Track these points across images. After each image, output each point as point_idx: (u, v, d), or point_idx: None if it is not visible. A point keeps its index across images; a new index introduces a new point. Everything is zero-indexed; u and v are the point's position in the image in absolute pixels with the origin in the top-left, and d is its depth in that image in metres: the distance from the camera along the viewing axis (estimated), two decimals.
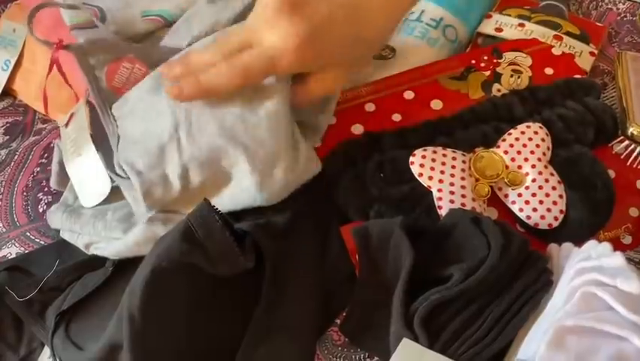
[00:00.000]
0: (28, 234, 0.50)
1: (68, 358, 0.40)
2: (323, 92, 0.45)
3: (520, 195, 0.44)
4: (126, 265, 0.44)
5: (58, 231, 0.48)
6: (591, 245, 0.35)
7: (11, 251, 0.49)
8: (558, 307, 0.33)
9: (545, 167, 0.45)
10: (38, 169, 0.54)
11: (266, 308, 0.37)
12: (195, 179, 0.41)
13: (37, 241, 0.50)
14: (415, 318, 0.34)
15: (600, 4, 0.63)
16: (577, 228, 0.43)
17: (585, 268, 0.34)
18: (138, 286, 0.34)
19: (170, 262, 0.34)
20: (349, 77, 0.47)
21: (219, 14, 0.48)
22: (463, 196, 0.44)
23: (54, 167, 0.51)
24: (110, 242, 0.44)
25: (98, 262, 0.45)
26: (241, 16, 0.48)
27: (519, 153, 0.45)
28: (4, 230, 0.51)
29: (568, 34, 0.57)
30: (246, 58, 0.41)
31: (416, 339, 0.33)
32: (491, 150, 0.46)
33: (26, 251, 0.49)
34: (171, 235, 0.35)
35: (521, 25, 0.57)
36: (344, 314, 0.42)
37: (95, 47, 0.47)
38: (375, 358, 0.40)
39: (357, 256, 0.43)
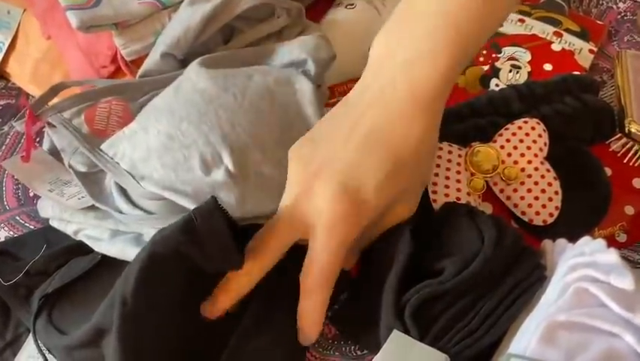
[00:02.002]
0: (18, 218, 0.50)
1: (50, 342, 0.40)
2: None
3: (515, 190, 0.44)
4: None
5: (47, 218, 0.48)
6: (585, 241, 0.35)
7: (0, 235, 0.49)
8: (550, 303, 0.33)
9: (542, 163, 0.44)
10: None
11: (259, 302, 0.37)
12: None
13: (27, 225, 0.49)
14: (405, 310, 0.34)
15: (601, 2, 0.63)
16: (572, 225, 0.43)
17: (579, 263, 0.33)
18: (133, 271, 0.33)
19: (166, 250, 0.34)
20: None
21: (191, 18, 0.48)
22: (458, 190, 0.43)
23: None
24: (100, 234, 0.44)
25: (86, 247, 0.44)
26: (211, 18, 0.48)
27: (515, 148, 0.45)
28: None
29: (568, 31, 0.56)
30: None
31: (407, 331, 0.33)
32: (487, 144, 0.45)
33: (15, 235, 0.48)
34: (173, 225, 0.35)
35: (521, 20, 0.57)
36: (336, 306, 0.42)
37: (66, 104, 0.47)
38: (366, 351, 0.40)
39: None
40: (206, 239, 0.35)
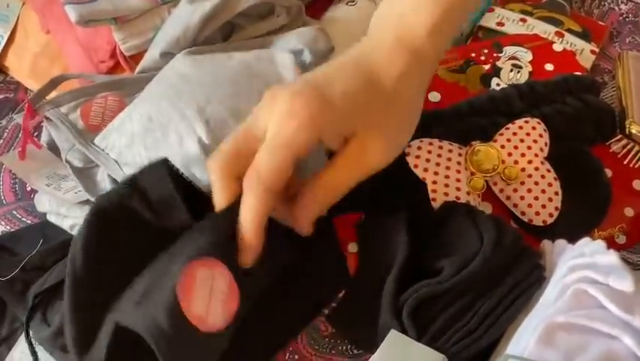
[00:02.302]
0: (15, 212, 0.49)
1: (37, 334, 0.39)
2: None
3: (515, 190, 0.43)
4: None
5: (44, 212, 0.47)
6: (585, 242, 0.35)
7: None
8: (549, 304, 0.33)
9: (542, 163, 0.44)
10: None
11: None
12: None
13: (24, 220, 0.49)
14: (403, 310, 0.33)
15: (603, 3, 0.62)
16: (571, 226, 0.43)
17: (578, 265, 0.33)
18: (81, 229, 0.33)
19: (110, 204, 0.34)
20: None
21: (190, 18, 0.48)
22: (458, 189, 0.43)
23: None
24: None
25: None
26: (211, 18, 0.47)
27: (516, 147, 0.45)
28: None
29: (569, 31, 0.56)
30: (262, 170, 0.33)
31: (404, 331, 0.33)
32: (488, 143, 0.45)
33: (12, 230, 0.48)
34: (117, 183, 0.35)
35: (523, 20, 0.57)
36: (333, 305, 0.42)
37: (64, 98, 0.46)
38: (362, 350, 0.40)
39: (348, 249, 0.43)
40: (149, 190, 0.34)
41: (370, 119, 0.35)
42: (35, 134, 0.55)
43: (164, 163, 0.35)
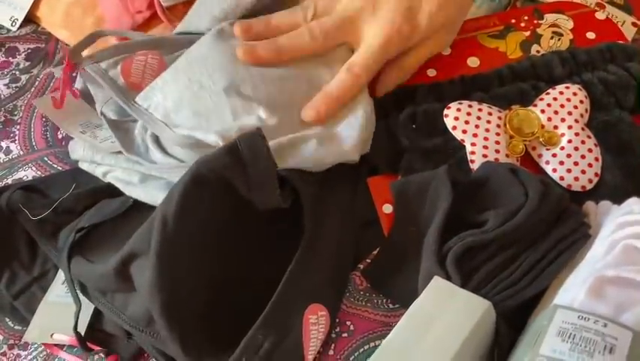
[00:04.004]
0: (46, 159, 0.49)
1: (79, 270, 0.39)
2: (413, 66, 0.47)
3: (554, 155, 0.43)
4: None
5: (77, 160, 0.47)
6: (634, 201, 0.35)
7: (27, 174, 0.48)
8: (598, 258, 0.32)
9: (582, 129, 0.43)
10: None
11: (307, 247, 0.36)
12: None
13: (55, 166, 0.49)
14: (448, 257, 0.33)
15: None
16: (611, 192, 0.42)
17: (627, 221, 0.33)
18: (176, 192, 0.33)
19: (210, 172, 0.33)
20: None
21: None
22: (497, 152, 0.42)
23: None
24: (130, 177, 0.43)
25: (114, 190, 0.44)
26: None
27: (556, 112, 0.44)
28: (21, 153, 0.49)
29: (611, 3, 0.55)
30: (325, 20, 0.44)
31: (448, 278, 0.32)
32: (528, 108, 0.44)
33: (43, 175, 0.48)
34: (217, 149, 0.34)
35: None
36: (368, 260, 0.41)
37: (104, 54, 0.46)
38: (397, 305, 0.39)
39: (382, 208, 0.43)
40: (249, 162, 0.34)
41: (446, 23, 0.47)
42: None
43: (261, 135, 0.35)
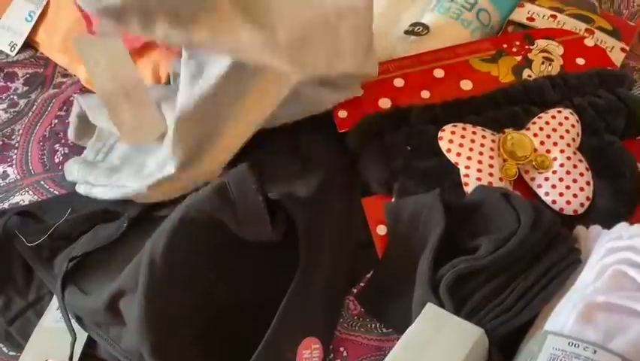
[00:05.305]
0: (43, 183, 0.49)
1: (74, 303, 0.39)
2: None
3: (547, 179, 0.43)
4: (141, 222, 0.43)
5: (73, 184, 0.48)
6: (623, 226, 0.35)
7: (24, 199, 0.48)
8: (588, 283, 0.32)
9: (574, 153, 0.44)
10: (56, 121, 0.54)
11: (303, 275, 0.36)
12: None
13: (52, 190, 0.49)
14: (441, 284, 0.33)
15: (632, 3, 0.62)
16: (602, 216, 0.42)
17: (617, 247, 0.33)
18: (164, 233, 0.33)
19: (199, 214, 0.34)
20: None
21: None
22: (491, 175, 0.43)
23: (73, 120, 0.50)
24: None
25: (111, 214, 0.44)
26: None
27: (548, 136, 0.45)
28: (18, 177, 0.50)
29: (600, 29, 0.56)
30: None
31: (441, 305, 0.32)
32: (521, 131, 0.45)
33: (40, 200, 0.48)
34: (205, 190, 0.34)
35: (553, 16, 0.57)
36: (361, 284, 0.41)
37: None
38: (391, 329, 0.39)
39: (376, 230, 0.43)
40: (238, 201, 0.34)
41: None
42: (64, 108, 0.55)
43: (250, 171, 0.35)
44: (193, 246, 0.34)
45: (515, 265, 0.34)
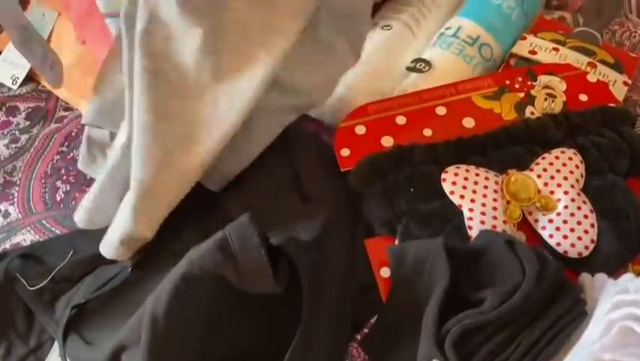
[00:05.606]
0: (44, 222, 0.49)
1: (76, 353, 0.39)
2: None
3: (551, 220, 0.43)
4: (144, 266, 0.43)
5: (73, 221, 0.47)
6: (629, 278, 0.35)
7: (26, 238, 0.48)
8: (594, 339, 0.32)
9: (578, 194, 0.44)
10: (58, 157, 0.54)
11: (306, 327, 0.36)
12: None
13: (53, 229, 0.49)
14: (446, 340, 0.33)
15: (634, 34, 0.63)
16: (606, 258, 0.42)
17: (623, 301, 0.33)
18: (166, 290, 0.33)
19: (201, 271, 0.33)
20: None
21: None
22: (495, 218, 0.43)
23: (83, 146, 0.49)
24: None
25: None
26: None
27: (552, 177, 0.44)
28: (19, 216, 0.50)
29: (602, 62, 0.56)
30: None
31: None
32: (524, 172, 0.45)
33: (41, 239, 0.48)
34: (207, 244, 0.34)
35: (556, 49, 0.57)
36: (365, 330, 0.41)
37: None
38: None
39: (380, 272, 0.43)
40: (239, 255, 0.34)
41: None
42: (66, 144, 0.55)
43: (252, 224, 0.35)
44: (195, 301, 0.34)
45: (521, 319, 0.34)
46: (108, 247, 0.39)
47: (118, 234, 0.39)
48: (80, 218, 0.41)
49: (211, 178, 0.43)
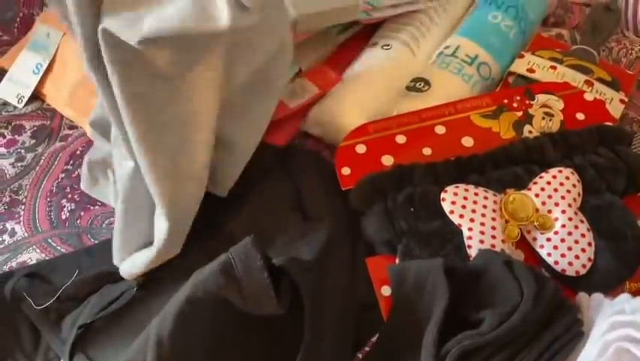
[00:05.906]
0: (50, 240, 0.50)
1: None
2: None
3: (548, 239, 0.44)
4: (150, 285, 0.44)
5: (80, 241, 0.48)
6: (625, 298, 0.35)
7: (32, 257, 0.49)
8: (591, 360, 0.33)
9: (575, 213, 0.45)
10: (63, 175, 0.54)
11: (308, 349, 0.37)
12: None
13: (59, 248, 0.49)
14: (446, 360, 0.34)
15: (631, 51, 0.63)
16: (604, 277, 0.43)
17: (619, 322, 0.33)
18: (171, 313, 0.34)
19: (205, 294, 0.34)
20: None
21: None
22: (494, 237, 0.43)
23: (84, 168, 0.51)
24: None
25: (119, 274, 0.45)
26: None
27: (550, 197, 0.45)
28: (25, 235, 0.50)
29: (599, 80, 0.57)
30: None
31: None
32: (522, 192, 0.45)
33: (47, 258, 0.49)
34: (211, 267, 0.35)
35: (553, 67, 0.58)
36: (366, 349, 0.42)
37: None
38: None
39: (381, 290, 0.43)
40: (243, 278, 0.35)
41: None
42: (71, 162, 0.56)
43: (257, 248, 0.36)
44: (199, 323, 0.35)
45: (519, 339, 0.35)
46: (137, 267, 0.41)
47: (149, 253, 0.40)
48: (118, 259, 0.43)
49: (218, 184, 0.45)
